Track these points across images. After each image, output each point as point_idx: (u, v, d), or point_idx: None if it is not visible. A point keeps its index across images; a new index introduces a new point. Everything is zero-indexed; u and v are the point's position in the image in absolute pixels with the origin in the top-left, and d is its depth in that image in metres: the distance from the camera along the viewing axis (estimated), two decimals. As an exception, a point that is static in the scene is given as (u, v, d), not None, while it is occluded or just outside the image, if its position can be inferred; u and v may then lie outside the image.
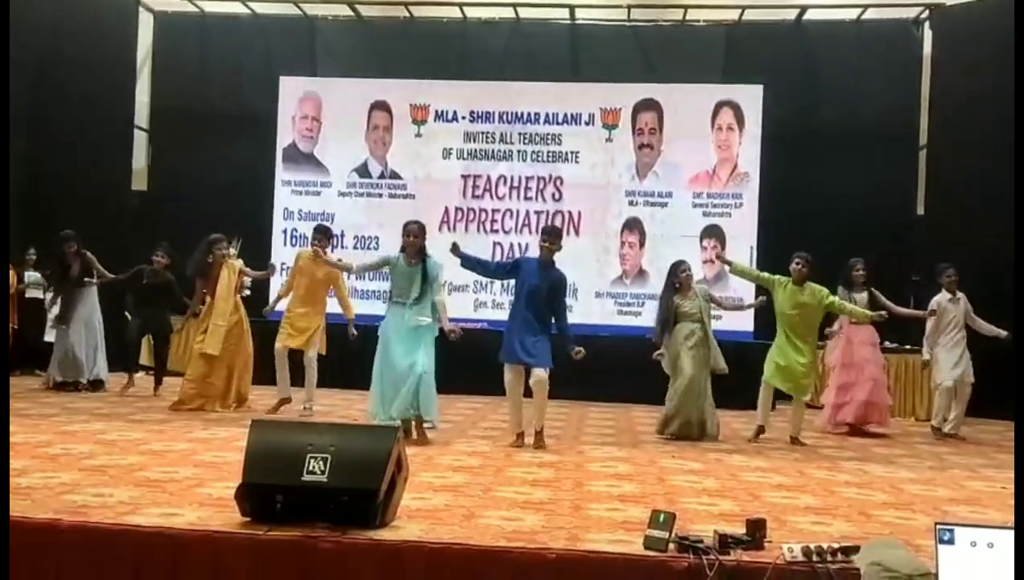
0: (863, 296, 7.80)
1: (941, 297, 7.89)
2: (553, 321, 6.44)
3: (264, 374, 7.95)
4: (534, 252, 6.83)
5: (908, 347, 9.16)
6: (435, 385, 6.42)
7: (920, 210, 10.46)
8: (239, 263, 7.90)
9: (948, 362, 7.85)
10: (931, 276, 8.18)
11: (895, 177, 10.40)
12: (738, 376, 7.79)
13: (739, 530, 3.65)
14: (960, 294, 7.88)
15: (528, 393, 6.42)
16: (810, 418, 7.86)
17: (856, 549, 3.39)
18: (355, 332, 7.70)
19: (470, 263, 6.72)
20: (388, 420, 6.20)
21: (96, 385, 8.79)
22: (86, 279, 8.80)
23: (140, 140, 11.40)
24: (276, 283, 8.93)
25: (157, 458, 5.26)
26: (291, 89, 10.77)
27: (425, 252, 6.49)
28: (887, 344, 8.88)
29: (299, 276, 7.66)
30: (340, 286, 7.88)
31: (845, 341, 7.95)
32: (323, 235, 7.70)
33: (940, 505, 4.82)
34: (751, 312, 8.77)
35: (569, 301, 9.91)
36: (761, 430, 7.25)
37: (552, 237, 6.53)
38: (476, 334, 9.53)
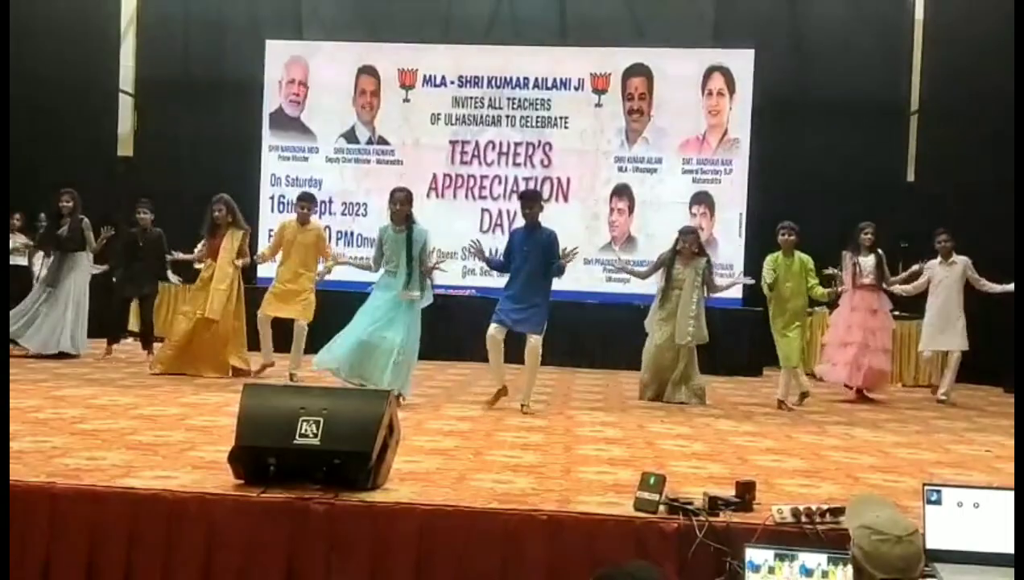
0: (870, 259, 7.76)
1: (934, 262, 7.93)
2: (554, 272, 6.50)
3: (253, 341, 7.94)
4: (521, 220, 6.82)
5: (896, 313, 9.22)
6: (415, 362, 6.45)
7: (910, 177, 10.48)
8: (241, 234, 7.80)
9: (929, 329, 7.93)
10: (923, 242, 8.22)
11: (886, 143, 10.41)
12: (724, 342, 7.85)
13: (728, 492, 3.69)
14: (959, 258, 7.88)
15: (509, 359, 6.45)
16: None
17: (843, 510, 3.44)
18: (324, 268, 7.67)
19: (494, 267, 6.83)
20: (338, 374, 6.28)
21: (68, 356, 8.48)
22: (79, 248, 8.55)
23: (125, 105, 11.27)
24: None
25: (149, 422, 5.26)
26: (277, 53, 10.64)
27: (411, 219, 6.46)
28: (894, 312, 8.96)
29: (286, 245, 7.61)
30: (324, 249, 7.81)
31: (848, 308, 7.91)
32: (309, 201, 7.65)
33: (926, 468, 4.88)
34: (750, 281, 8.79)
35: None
36: (805, 395, 7.32)
37: (530, 201, 6.55)
38: (465, 301, 9.61)
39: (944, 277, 7.89)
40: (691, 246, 7.28)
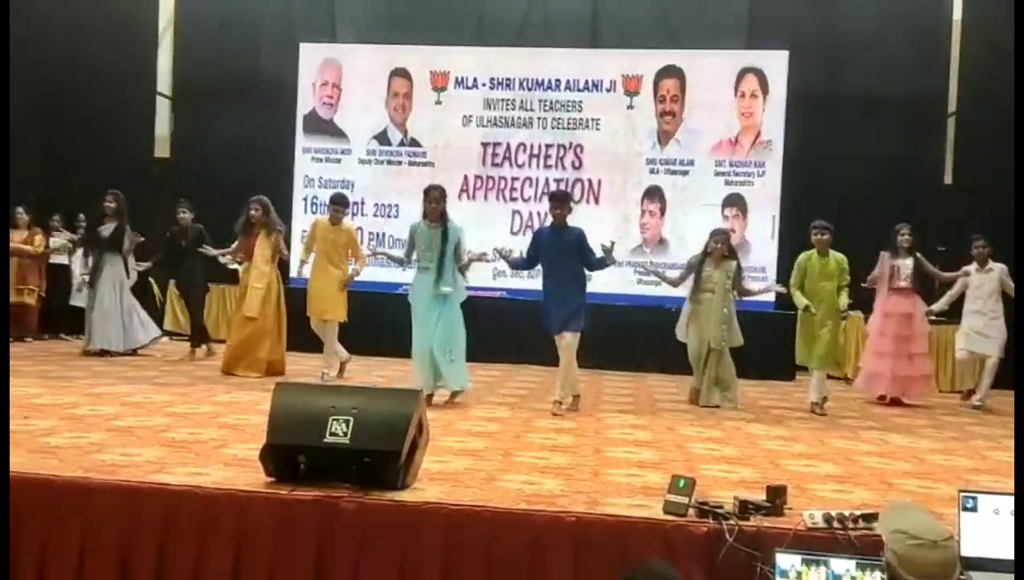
0: (908, 262, 7.67)
1: (969, 267, 7.82)
2: (589, 272, 6.58)
3: (297, 341, 8.05)
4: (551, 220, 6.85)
5: (931, 318, 9.08)
6: (464, 352, 6.53)
7: (948, 179, 10.31)
8: (279, 235, 7.88)
9: (966, 333, 7.81)
10: (960, 245, 8.10)
11: (923, 145, 10.25)
12: (756, 346, 7.77)
13: (759, 497, 3.65)
14: (995, 265, 7.77)
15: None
16: (830, 387, 7.82)
17: (877, 516, 3.39)
18: (353, 270, 7.70)
19: (518, 266, 6.92)
20: (436, 389, 6.44)
21: (135, 351, 8.70)
22: (118, 250, 8.65)
23: (163, 107, 11.45)
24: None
25: (183, 420, 5.33)
26: (311, 56, 10.74)
27: (446, 216, 6.50)
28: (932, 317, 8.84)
29: (320, 243, 7.68)
30: (356, 247, 7.87)
31: (882, 314, 7.83)
32: (341, 204, 7.72)
33: (962, 474, 4.80)
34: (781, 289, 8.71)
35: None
36: (824, 399, 7.21)
37: (559, 201, 6.57)
38: (495, 302, 9.62)
39: (981, 283, 7.77)
40: (722, 248, 7.22)
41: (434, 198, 6.49)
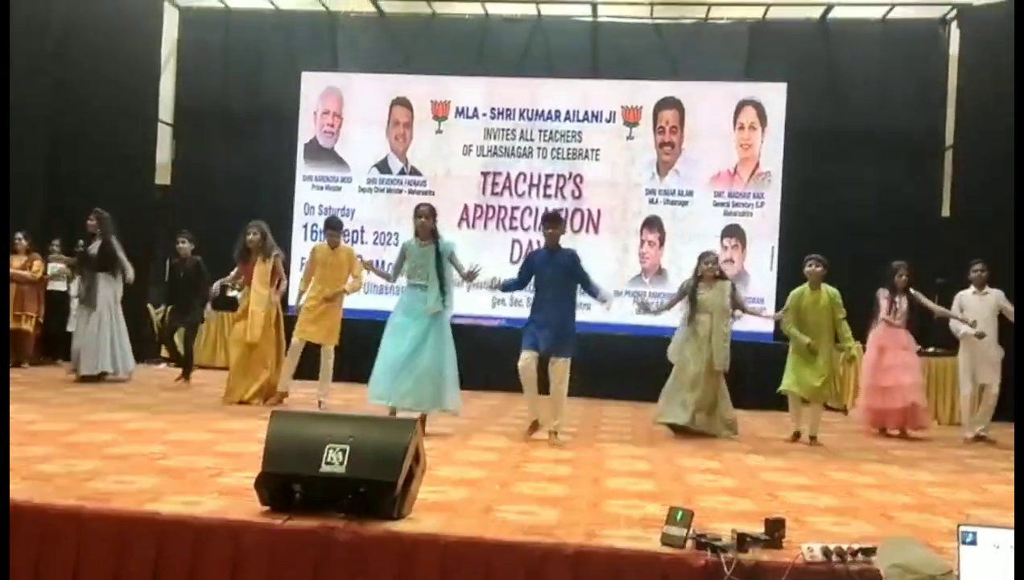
0: (904, 301, 7.74)
1: (966, 292, 7.82)
2: (586, 293, 6.60)
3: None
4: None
5: (930, 351, 9.08)
6: (457, 373, 6.45)
7: (945, 212, 10.35)
8: (278, 259, 7.88)
9: (968, 365, 7.78)
10: (958, 278, 8.11)
11: (920, 178, 10.31)
12: (756, 376, 7.77)
13: (758, 529, 3.62)
14: (992, 290, 7.77)
15: (544, 388, 6.45)
16: (828, 419, 7.80)
17: (876, 550, 3.36)
18: (347, 289, 7.66)
19: (509, 288, 6.87)
20: (390, 404, 6.31)
21: (127, 375, 8.70)
22: (107, 268, 8.61)
23: (164, 134, 11.51)
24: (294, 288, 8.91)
25: (178, 447, 5.30)
26: (313, 85, 10.83)
27: (437, 234, 6.50)
28: (930, 350, 8.83)
29: (320, 268, 7.69)
30: (355, 267, 7.85)
31: (877, 349, 7.85)
32: (336, 229, 7.74)
33: (962, 508, 4.76)
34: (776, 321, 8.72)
35: (587, 298, 9.96)
36: (797, 435, 7.20)
37: (552, 222, 6.61)
38: (494, 330, 9.62)
39: (979, 307, 7.77)
40: (713, 268, 7.24)
41: (423, 214, 6.50)
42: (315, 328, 7.60)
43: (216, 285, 8.20)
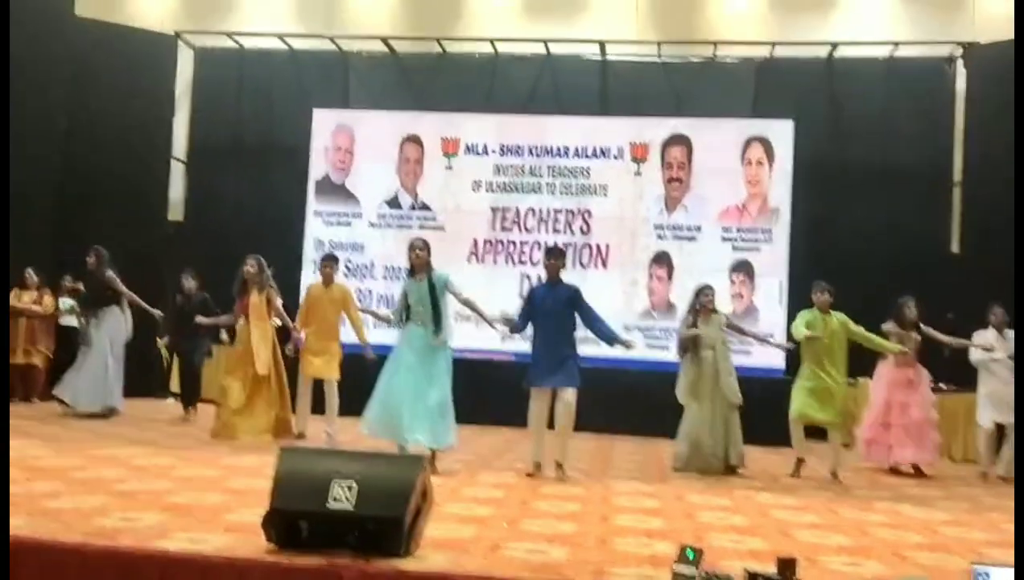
0: (914, 334, 7.72)
1: (987, 333, 7.80)
2: (593, 333, 6.54)
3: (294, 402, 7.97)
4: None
5: (943, 387, 9.00)
6: (451, 407, 6.43)
7: (955, 248, 10.33)
8: (271, 295, 7.89)
9: (988, 403, 7.72)
10: (968, 314, 8.08)
11: (929, 214, 10.31)
12: (767, 411, 7.70)
13: (769, 568, 3.58)
14: (1010, 332, 7.75)
15: (552, 425, 6.42)
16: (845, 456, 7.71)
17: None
18: (372, 355, 7.58)
19: (516, 330, 6.77)
20: (384, 437, 6.30)
21: (109, 412, 8.57)
22: (105, 303, 8.59)
23: (177, 171, 11.64)
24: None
25: (186, 484, 5.29)
26: (324, 122, 10.94)
27: (430, 267, 6.51)
28: (942, 386, 8.76)
29: (315, 306, 7.72)
30: (351, 310, 7.89)
31: (886, 384, 7.80)
32: (331, 261, 7.85)
33: (976, 547, 4.70)
34: (782, 349, 8.67)
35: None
36: (800, 462, 7.13)
37: (554, 255, 6.64)
38: (503, 366, 9.59)
39: (1000, 349, 7.72)
40: (711, 300, 7.21)
41: (417, 247, 6.50)
42: (320, 362, 7.64)
43: (220, 322, 8.24)
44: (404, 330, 6.56)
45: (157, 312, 8.97)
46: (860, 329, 7.20)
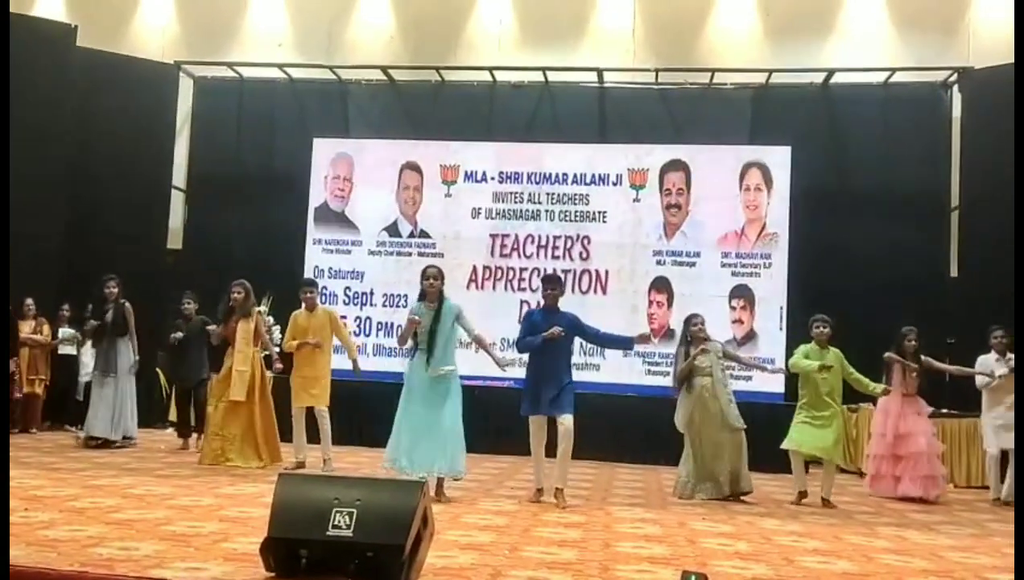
0: (915, 365, 7.70)
1: (988, 357, 7.77)
2: (606, 347, 6.61)
3: (282, 430, 7.90)
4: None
5: (944, 412, 8.98)
6: (463, 435, 6.38)
7: (953, 272, 10.34)
8: (260, 317, 7.87)
9: (993, 427, 7.69)
10: (968, 338, 8.06)
11: (927, 239, 10.34)
12: (769, 437, 7.66)
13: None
14: (1011, 355, 7.73)
15: (551, 451, 6.39)
16: (843, 482, 7.69)
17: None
18: (360, 369, 7.67)
19: (521, 348, 6.73)
20: (406, 469, 6.21)
21: (127, 440, 8.63)
22: (121, 334, 8.58)
23: (177, 200, 11.68)
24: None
25: (184, 512, 5.24)
26: (324, 150, 11.00)
27: (443, 295, 6.49)
28: (944, 411, 8.73)
29: (299, 333, 7.70)
30: (340, 331, 7.90)
31: (889, 415, 7.78)
32: (312, 286, 7.87)
33: (981, 572, 4.66)
34: (782, 374, 8.66)
35: (596, 359, 9.95)
36: (803, 495, 7.10)
37: (552, 283, 6.67)
38: (503, 392, 9.55)
39: (1002, 373, 7.70)
40: (702, 330, 7.21)
41: (431, 275, 6.48)
42: (316, 390, 7.62)
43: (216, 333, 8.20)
44: (413, 360, 6.48)
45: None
46: (853, 370, 7.20)
